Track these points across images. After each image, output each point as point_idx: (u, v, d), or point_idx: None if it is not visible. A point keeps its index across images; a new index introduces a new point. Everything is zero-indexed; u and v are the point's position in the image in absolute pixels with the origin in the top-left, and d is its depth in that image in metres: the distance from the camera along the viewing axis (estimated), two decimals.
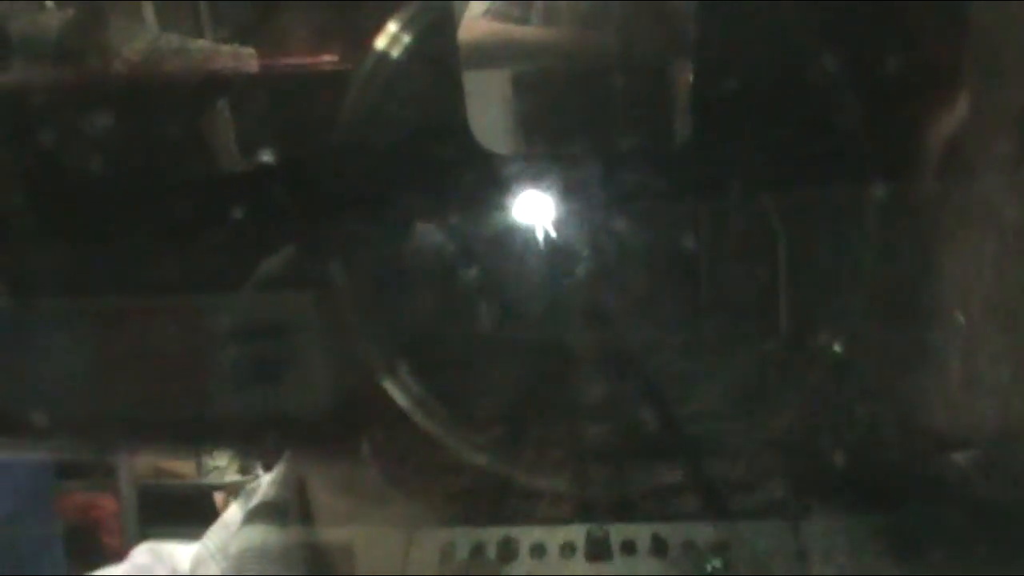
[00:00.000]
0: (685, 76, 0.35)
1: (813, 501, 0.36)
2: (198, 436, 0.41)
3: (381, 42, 0.33)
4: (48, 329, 0.36)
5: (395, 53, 0.33)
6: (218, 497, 1.98)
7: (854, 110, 0.33)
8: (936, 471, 0.36)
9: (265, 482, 0.48)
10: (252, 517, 0.47)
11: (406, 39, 0.33)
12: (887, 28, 0.33)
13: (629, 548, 0.36)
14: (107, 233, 0.35)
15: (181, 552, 0.53)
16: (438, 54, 0.33)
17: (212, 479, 2.08)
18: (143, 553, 0.54)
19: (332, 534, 0.44)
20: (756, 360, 0.36)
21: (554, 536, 0.36)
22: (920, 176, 0.34)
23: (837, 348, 0.34)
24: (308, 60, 0.34)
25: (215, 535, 0.50)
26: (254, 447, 0.48)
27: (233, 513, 0.49)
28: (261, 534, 0.46)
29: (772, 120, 0.34)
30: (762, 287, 0.36)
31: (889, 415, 0.35)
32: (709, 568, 0.35)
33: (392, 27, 0.33)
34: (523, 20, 0.38)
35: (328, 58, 0.34)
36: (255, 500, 0.47)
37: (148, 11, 0.50)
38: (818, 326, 0.35)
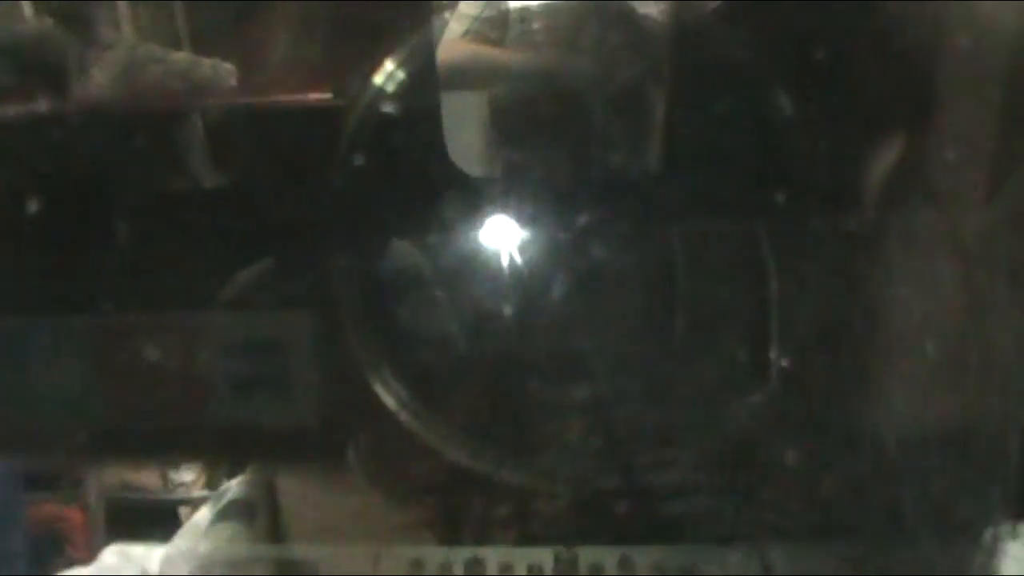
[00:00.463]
0: (660, 101, 0.35)
1: (779, 524, 0.37)
2: (181, 446, 0.41)
3: (378, 79, 0.35)
4: (27, 343, 0.36)
5: (390, 88, 0.35)
6: (184, 512, 1.96)
7: (809, 142, 0.33)
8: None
9: (234, 483, 0.48)
10: (221, 516, 0.47)
11: (400, 76, 0.35)
12: (842, 65, 0.34)
13: (597, 570, 0.36)
14: (83, 246, 0.35)
15: (151, 553, 0.52)
16: (424, 84, 0.35)
17: (179, 494, 2.06)
18: (111, 554, 0.54)
19: (298, 546, 0.44)
20: (717, 376, 0.36)
21: (522, 557, 0.36)
22: (862, 206, 0.35)
23: (784, 363, 0.35)
24: (305, 96, 0.35)
25: (185, 536, 0.49)
26: (235, 457, 0.47)
27: (203, 515, 0.49)
28: (230, 534, 0.45)
29: (738, 149, 0.34)
30: (726, 309, 0.36)
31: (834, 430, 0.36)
32: None
33: (389, 65, 0.35)
34: (499, 42, 0.38)
35: (321, 95, 0.35)
36: (224, 500, 0.47)
37: (125, 21, 0.50)
38: (769, 347, 0.35)
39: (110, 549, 0.54)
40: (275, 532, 0.44)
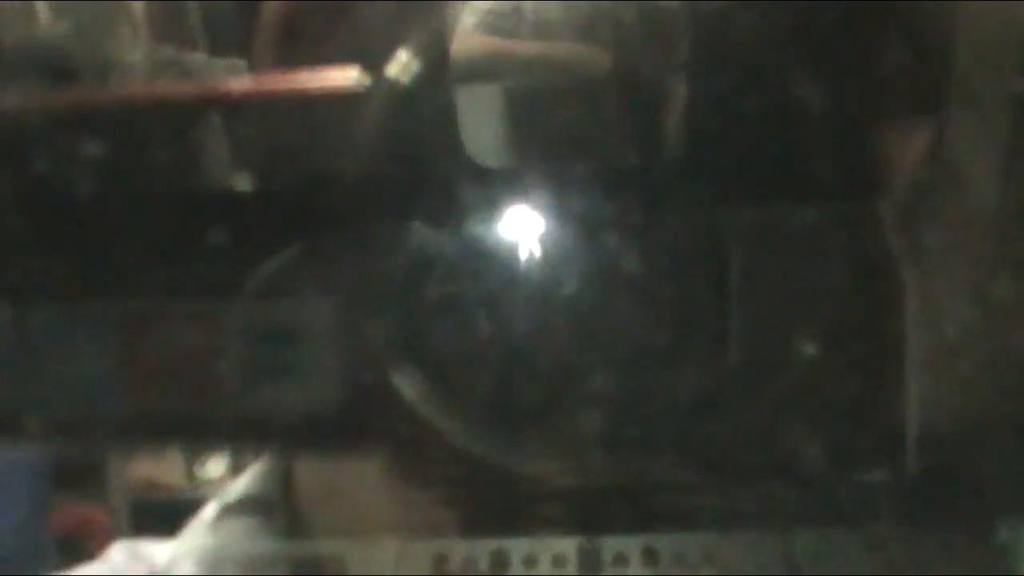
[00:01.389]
0: (680, 91, 0.35)
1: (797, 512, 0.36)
2: (202, 436, 0.41)
3: (392, 69, 0.35)
4: (47, 332, 0.37)
5: (405, 80, 0.35)
6: None
7: (832, 129, 0.33)
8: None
9: (246, 476, 0.47)
10: (231, 512, 0.46)
11: (416, 67, 0.35)
12: (866, 50, 0.34)
13: (621, 560, 0.36)
14: (105, 238, 0.36)
15: (158, 550, 0.52)
16: (439, 75, 0.35)
17: (205, 492, 2.07)
18: (118, 551, 0.54)
19: (320, 541, 0.44)
20: (741, 366, 0.36)
21: (546, 547, 0.36)
22: (892, 193, 0.35)
23: (810, 351, 0.35)
24: (322, 80, 0.36)
25: (192, 532, 0.49)
26: (254, 447, 0.47)
27: (212, 510, 0.48)
28: (240, 529, 0.45)
29: (761, 137, 0.34)
30: (750, 302, 0.36)
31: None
32: None
33: (403, 56, 0.35)
34: (513, 33, 0.38)
35: (343, 76, 0.35)
36: (235, 494, 0.47)
37: (141, 24, 0.50)
38: (791, 340, 0.35)
39: (116, 546, 0.54)
40: (293, 528, 0.44)
